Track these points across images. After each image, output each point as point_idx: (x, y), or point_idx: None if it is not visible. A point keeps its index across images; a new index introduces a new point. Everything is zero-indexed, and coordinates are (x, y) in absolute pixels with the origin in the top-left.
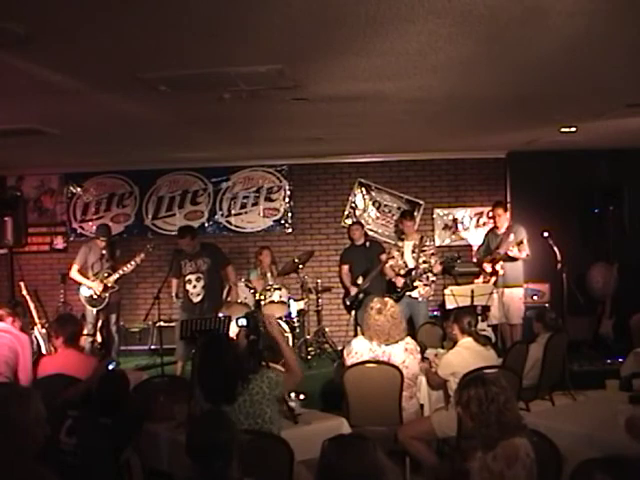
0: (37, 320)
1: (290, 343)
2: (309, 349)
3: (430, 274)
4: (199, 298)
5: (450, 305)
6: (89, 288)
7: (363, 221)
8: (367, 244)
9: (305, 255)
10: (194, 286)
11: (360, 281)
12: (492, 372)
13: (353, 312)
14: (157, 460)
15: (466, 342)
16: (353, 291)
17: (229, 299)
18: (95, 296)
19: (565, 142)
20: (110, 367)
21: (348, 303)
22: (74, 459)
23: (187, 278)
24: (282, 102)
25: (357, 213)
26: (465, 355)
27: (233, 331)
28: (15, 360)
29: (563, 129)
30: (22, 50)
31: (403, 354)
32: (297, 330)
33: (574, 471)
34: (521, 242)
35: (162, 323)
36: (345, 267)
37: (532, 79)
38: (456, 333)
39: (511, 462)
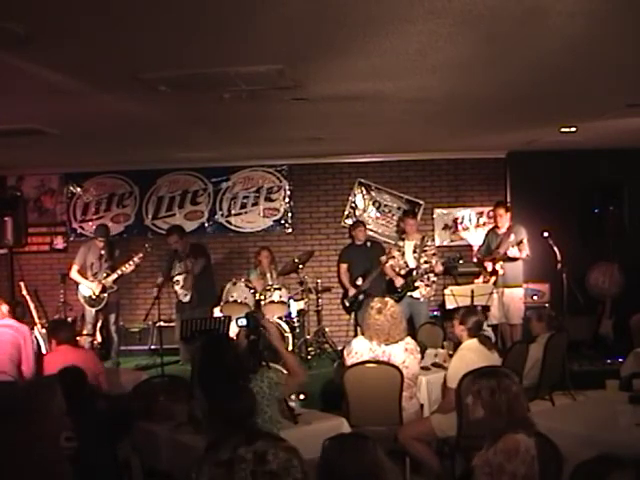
0: (37, 320)
1: (290, 343)
2: (309, 349)
3: (431, 274)
4: (187, 298)
5: (450, 305)
6: (88, 288)
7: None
8: (368, 244)
9: (305, 255)
10: (181, 286)
11: (360, 282)
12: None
13: (352, 313)
14: (157, 460)
15: (470, 344)
16: (351, 292)
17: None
18: (94, 296)
19: (565, 142)
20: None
21: (347, 304)
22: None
23: (175, 279)
24: (282, 102)
25: (357, 213)
26: (472, 357)
27: (233, 331)
28: (18, 355)
29: (563, 129)
30: (22, 50)
31: (403, 354)
32: (297, 330)
33: (573, 471)
34: (521, 242)
35: (162, 323)
36: (344, 266)
37: (532, 79)
38: (461, 334)
39: (511, 456)
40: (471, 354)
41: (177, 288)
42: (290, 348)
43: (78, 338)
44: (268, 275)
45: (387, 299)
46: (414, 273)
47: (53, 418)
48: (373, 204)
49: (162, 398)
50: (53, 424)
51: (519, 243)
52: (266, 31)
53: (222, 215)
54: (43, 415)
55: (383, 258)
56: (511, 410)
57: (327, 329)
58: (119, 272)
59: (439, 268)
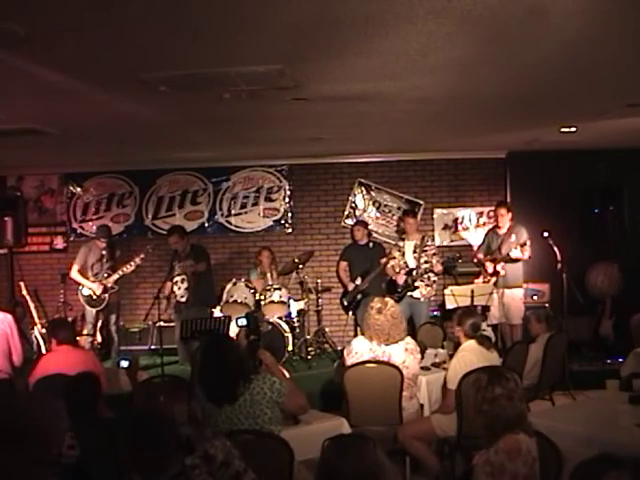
0: (37, 320)
1: (290, 343)
2: (309, 349)
3: (431, 274)
4: (183, 299)
5: (450, 305)
6: (89, 289)
7: None
8: (370, 245)
9: (305, 255)
10: (178, 287)
11: (359, 281)
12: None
13: (350, 313)
14: None
15: (469, 345)
16: (350, 287)
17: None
18: (94, 296)
19: (565, 142)
20: (125, 364)
21: (346, 303)
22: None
23: (174, 280)
24: (282, 102)
25: (357, 213)
26: (472, 358)
27: (233, 331)
28: (8, 347)
29: (563, 129)
30: (22, 50)
31: (403, 354)
32: (297, 330)
33: (573, 471)
34: (524, 244)
35: (162, 323)
36: (343, 264)
37: (532, 79)
38: (459, 334)
39: (512, 455)
40: (470, 355)
41: (175, 288)
42: (290, 348)
43: (78, 338)
44: (268, 275)
45: (387, 299)
46: (414, 273)
47: (42, 437)
48: (373, 204)
49: (162, 398)
50: (42, 444)
51: (523, 245)
52: (266, 31)
53: (222, 215)
54: (29, 438)
55: (383, 260)
56: (509, 411)
57: (327, 329)
58: (120, 272)
59: (439, 268)
